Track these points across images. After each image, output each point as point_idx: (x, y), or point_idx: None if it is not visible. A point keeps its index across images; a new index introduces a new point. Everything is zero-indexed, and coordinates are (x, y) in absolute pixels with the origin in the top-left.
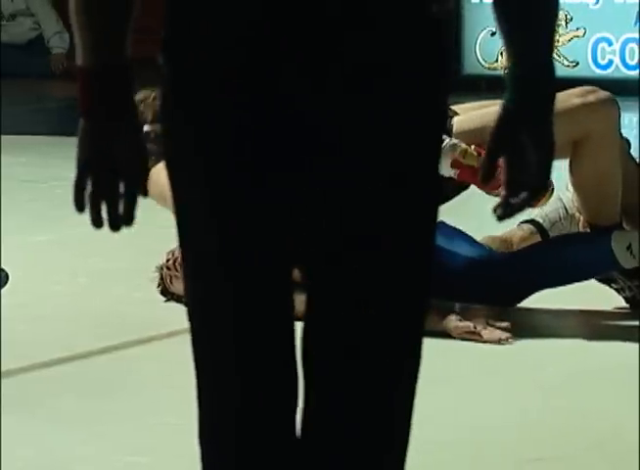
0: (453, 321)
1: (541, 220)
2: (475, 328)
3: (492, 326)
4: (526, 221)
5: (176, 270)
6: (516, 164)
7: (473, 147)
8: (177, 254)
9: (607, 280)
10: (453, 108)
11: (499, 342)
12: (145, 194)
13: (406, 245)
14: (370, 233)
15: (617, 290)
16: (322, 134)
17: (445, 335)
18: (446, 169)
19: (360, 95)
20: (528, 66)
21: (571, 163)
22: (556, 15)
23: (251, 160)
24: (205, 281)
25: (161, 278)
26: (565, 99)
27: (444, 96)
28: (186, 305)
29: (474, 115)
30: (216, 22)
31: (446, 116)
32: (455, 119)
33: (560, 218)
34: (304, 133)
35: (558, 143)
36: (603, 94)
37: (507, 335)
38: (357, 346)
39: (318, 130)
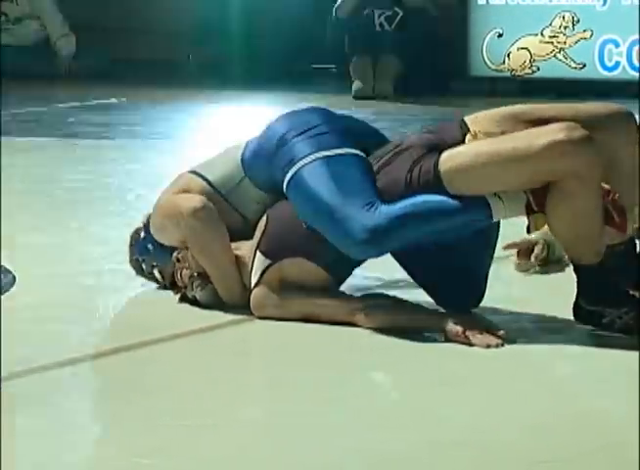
0: (449, 324)
1: None
2: (465, 332)
3: (488, 333)
4: None
5: (185, 262)
6: None
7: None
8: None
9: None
10: (466, 120)
11: (487, 347)
12: None
13: None
14: None
15: (607, 324)
16: None
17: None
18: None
19: None
20: None
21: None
22: None
23: None
24: None
25: (173, 271)
26: (533, 138)
27: None
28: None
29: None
30: None
31: None
32: (443, 163)
33: None
34: None
35: (524, 183)
36: (577, 133)
37: (497, 342)
38: None
39: None
